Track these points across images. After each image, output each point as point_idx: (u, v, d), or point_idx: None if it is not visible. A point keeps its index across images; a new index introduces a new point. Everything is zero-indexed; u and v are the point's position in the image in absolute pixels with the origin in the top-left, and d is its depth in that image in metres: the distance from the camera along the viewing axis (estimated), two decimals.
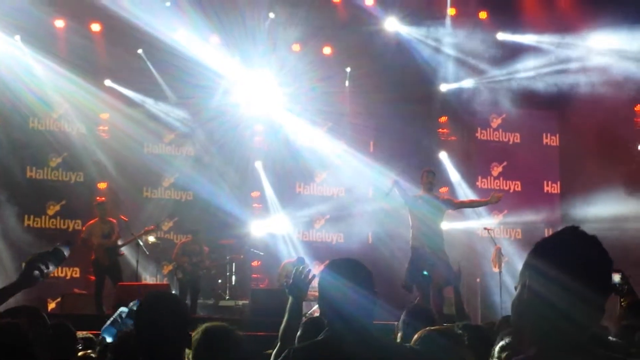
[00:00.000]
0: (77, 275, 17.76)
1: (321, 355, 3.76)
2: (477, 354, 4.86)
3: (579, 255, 2.40)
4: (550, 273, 2.38)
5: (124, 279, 16.34)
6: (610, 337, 5.33)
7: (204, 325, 4.52)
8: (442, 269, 12.25)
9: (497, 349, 4.58)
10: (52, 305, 15.63)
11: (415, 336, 4.78)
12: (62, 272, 17.15)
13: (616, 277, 6.94)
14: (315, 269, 4.54)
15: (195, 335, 4.40)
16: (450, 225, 19.82)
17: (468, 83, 20.40)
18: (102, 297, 15.02)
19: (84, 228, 15.74)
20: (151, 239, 16.13)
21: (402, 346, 4.07)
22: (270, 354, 6.28)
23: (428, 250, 12.39)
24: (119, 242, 15.39)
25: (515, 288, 2.51)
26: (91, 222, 15.75)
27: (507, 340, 4.57)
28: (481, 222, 18.19)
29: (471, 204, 14.62)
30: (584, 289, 2.35)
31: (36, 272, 3.93)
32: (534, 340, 2.40)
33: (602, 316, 2.43)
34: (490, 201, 13.05)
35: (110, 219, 15.51)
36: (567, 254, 2.40)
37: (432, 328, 5.02)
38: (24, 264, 3.96)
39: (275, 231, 18.81)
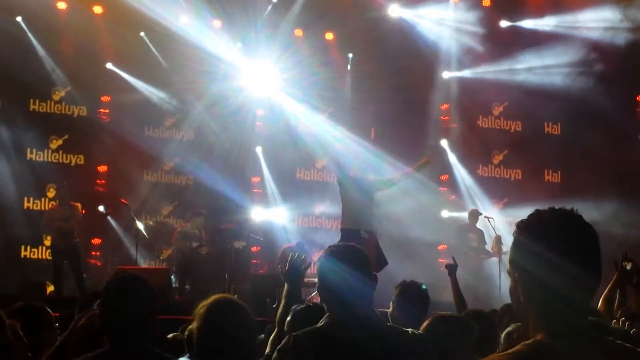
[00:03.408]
0: None
1: (322, 341, 3.75)
2: (480, 340, 4.85)
3: (570, 237, 2.39)
4: (544, 255, 2.37)
5: (123, 262, 16.40)
6: (612, 324, 5.34)
7: (212, 297, 4.45)
8: None
9: (503, 335, 4.58)
10: (50, 288, 15.63)
11: (425, 323, 4.79)
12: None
13: (628, 267, 6.97)
14: (315, 255, 4.54)
15: (202, 308, 4.35)
16: (449, 214, 19.90)
17: (470, 70, 20.37)
18: (61, 281, 15.11)
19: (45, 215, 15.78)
20: (140, 225, 16.06)
21: (404, 331, 4.04)
22: (263, 339, 6.29)
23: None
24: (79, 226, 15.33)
25: (508, 273, 2.51)
26: (50, 207, 15.85)
27: (512, 326, 4.57)
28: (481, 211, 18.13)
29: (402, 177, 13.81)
30: (578, 271, 2.35)
31: None
32: (538, 326, 2.38)
33: (591, 299, 2.45)
34: (422, 166, 12.71)
35: (73, 203, 15.44)
36: (559, 235, 2.39)
37: (442, 315, 5.01)
38: None
39: (275, 217, 18.80)
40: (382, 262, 11.89)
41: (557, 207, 2.47)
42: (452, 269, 8.40)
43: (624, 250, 7.32)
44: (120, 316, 3.91)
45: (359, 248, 4.26)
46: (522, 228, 2.46)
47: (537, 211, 2.48)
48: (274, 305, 5.52)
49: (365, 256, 4.18)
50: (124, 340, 3.90)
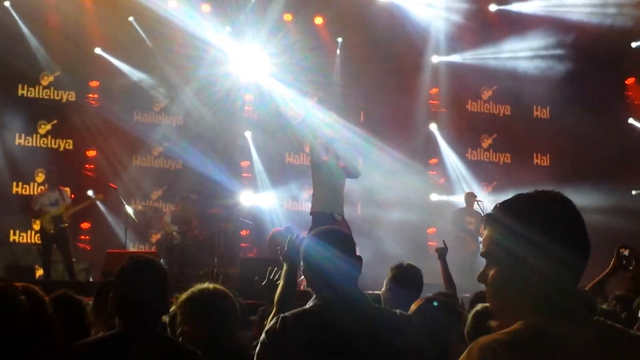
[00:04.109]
0: None
1: (310, 322, 3.76)
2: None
3: (556, 218, 2.36)
4: (530, 237, 2.33)
5: (112, 246, 16.40)
6: (603, 306, 5.38)
7: (196, 286, 4.51)
8: None
9: (471, 316, 4.58)
10: (39, 272, 15.64)
11: (413, 306, 4.80)
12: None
13: (625, 253, 7.00)
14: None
15: (185, 296, 4.38)
16: (439, 197, 19.95)
17: (459, 55, 20.39)
18: (50, 265, 15.19)
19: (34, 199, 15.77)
20: (129, 210, 16.06)
21: (392, 313, 4.06)
22: (254, 320, 6.31)
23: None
24: (68, 211, 15.31)
25: (484, 255, 2.47)
26: (39, 191, 15.89)
27: (480, 306, 4.57)
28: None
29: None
30: (565, 253, 2.32)
31: None
32: (526, 310, 2.34)
33: (579, 281, 2.41)
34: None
35: (62, 187, 15.49)
36: (546, 217, 2.36)
37: (432, 298, 5.02)
38: None
39: (265, 201, 18.83)
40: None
41: (541, 189, 2.45)
42: (441, 252, 8.42)
43: (610, 236, 7.33)
44: (132, 300, 3.93)
45: (342, 230, 4.29)
46: (508, 210, 2.42)
47: (522, 194, 2.44)
48: (263, 283, 5.54)
49: (350, 237, 4.20)
50: (135, 324, 3.91)
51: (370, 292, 8.38)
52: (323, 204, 12.00)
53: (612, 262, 6.98)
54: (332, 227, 4.36)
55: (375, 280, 12.98)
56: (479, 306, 4.62)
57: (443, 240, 8.78)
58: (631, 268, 6.90)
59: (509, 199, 2.46)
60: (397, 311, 4.10)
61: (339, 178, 12.05)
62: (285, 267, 4.79)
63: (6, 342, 3.53)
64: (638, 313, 4.56)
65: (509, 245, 2.37)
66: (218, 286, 4.56)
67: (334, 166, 11.94)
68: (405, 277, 5.84)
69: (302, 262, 4.16)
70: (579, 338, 2.27)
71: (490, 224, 2.46)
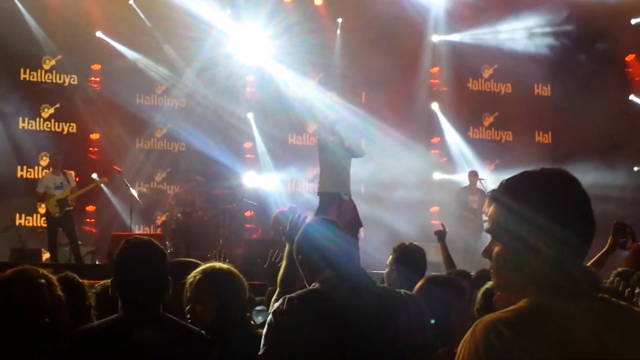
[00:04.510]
0: None
1: (316, 302, 3.82)
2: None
3: (560, 197, 2.37)
4: (531, 216, 2.34)
5: (118, 229, 16.49)
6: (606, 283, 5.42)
7: (205, 265, 4.52)
8: None
9: (480, 293, 4.63)
10: (46, 256, 15.73)
11: (418, 285, 4.84)
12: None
13: (622, 231, 7.05)
14: (308, 219, 4.58)
15: (196, 275, 4.41)
16: (441, 176, 19.99)
17: (460, 34, 20.37)
18: (56, 248, 15.26)
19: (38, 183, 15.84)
20: (134, 192, 16.13)
21: (395, 292, 4.13)
22: (261, 301, 6.35)
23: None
24: (73, 194, 15.37)
25: (489, 232, 2.48)
26: (44, 175, 15.96)
27: (490, 283, 4.62)
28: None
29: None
30: (568, 231, 2.33)
31: None
32: (523, 289, 2.35)
33: (584, 259, 2.44)
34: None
35: (66, 170, 15.54)
36: (548, 194, 2.37)
37: (435, 277, 5.05)
38: None
39: (268, 182, 18.88)
40: (358, 224, 12.11)
41: (546, 167, 2.44)
42: (441, 235, 8.47)
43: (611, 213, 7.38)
44: (132, 283, 3.96)
45: (332, 220, 4.38)
46: (512, 188, 2.43)
47: (527, 171, 2.44)
48: (265, 266, 5.58)
49: (339, 224, 4.31)
50: (136, 307, 3.94)
51: (375, 271, 8.44)
52: (330, 184, 12.06)
53: (609, 241, 7.02)
54: (323, 219, 4.45)
55: (379, 260, 13.10)
56: (488, 284, 4.67)
57: (441, 223, 8.83)
58: (628, 246, 6.96)
59: (513, 177, 2.46)
60: (402, 291, 4.16)
61: (344, 158, 12.11)
62: (287, 247, 4.83)
63: (29, 324, 3.64)
64: (636, 288, 4.60)
65: (513, 224, 2.38)
66: (229, 266, 4.58)
67: (340, 146, 12.00)
68: (409, 257, 5.83)
69: (300, 253, 4.19)
70: (582, 316, 2.28)
71: (494, 202, 2.48)
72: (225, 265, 4.57)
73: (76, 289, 4.56)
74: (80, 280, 4.80)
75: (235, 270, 4.54)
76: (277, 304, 3.85)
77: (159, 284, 4.00)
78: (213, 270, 4.46)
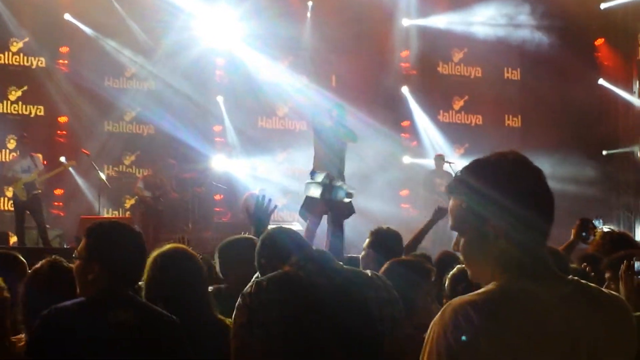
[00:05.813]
0: None
1: (283, 283, 3.83)
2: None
3: (515, 178, 2.41)
4: (490, 199, 2.38)
5: (86, 212, 16.41)
6: (571, 265, 5.45)
7: (165, 247, 4.52)
8: None
9: (447, 280, 4.64)
10: (13, 239, 15.62)
11: (383, 267, 4.85)
12: None
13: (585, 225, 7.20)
14: (277, 202, 4.60)
15: (156, 254, 4.40)
16: (411, 160, 20.02)
17: (430, 18, 20.37)
18: (24, 232, 15.20)
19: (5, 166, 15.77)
20: (102, 175, 16.06)
21: (362, 272, 4.14)
22: None
23: None
24: (41, 177, 15.28)
25: (452, 228, 2.51)
26: (11, 158, 15.89)
27: (457, 268, 4.63)
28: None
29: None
30: (527, 211, 2.36)
31: None
32: (492, 273, 2.39)
33: (546, 240, 2.44)
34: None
35: (34, 154, 15.43)
36: (503, 176, 2.40)
37: (399, 259, 5.07)
38: None
39: (237, 165, 18.84)
40: (351, 210, 12.10)
41: (500, 151, 2.48)
42: (440, 214, 8.34)
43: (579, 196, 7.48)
44: (106, 264, 3.87)
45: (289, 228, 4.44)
46: (467, 176, 2.48)
47: (479, 158, 2.50)
48: None
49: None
50: (109, 289, 3.84)
51: (350, 255, 8.39)
52: (321, 166, 12.04)
53: (572, 234, 7.15)
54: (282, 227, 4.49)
55: (352, 244, 13.10)
56: (455, 269, 4.69)
57: (438, 206, 8.76)
58: (589, 241, 7.07)
59: (467, 165, 2.52)
60: (369, 271, 4.18)
61: (338, 143, 12.09)
62: (252, 230, 4.83)
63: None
64: (605, 274, 4.64)
65: (473, 210, 2.42)
66: (182, 246, 4.57)
67: (336, 132, 11.98)
68: (385, 241, 5.87)
69: (262, 257, 4.21)
70: (552, 299, 2.30)
71: (452, 194, 2.52)
72: (180, 246, 4.56)
73: (66, 272, 4.52)
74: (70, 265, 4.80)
75: (190, 251, 4.53)
76: (246, 287, 3.86)
77: (134, 265, 3.97)
78: (164, 250, 4.45)
